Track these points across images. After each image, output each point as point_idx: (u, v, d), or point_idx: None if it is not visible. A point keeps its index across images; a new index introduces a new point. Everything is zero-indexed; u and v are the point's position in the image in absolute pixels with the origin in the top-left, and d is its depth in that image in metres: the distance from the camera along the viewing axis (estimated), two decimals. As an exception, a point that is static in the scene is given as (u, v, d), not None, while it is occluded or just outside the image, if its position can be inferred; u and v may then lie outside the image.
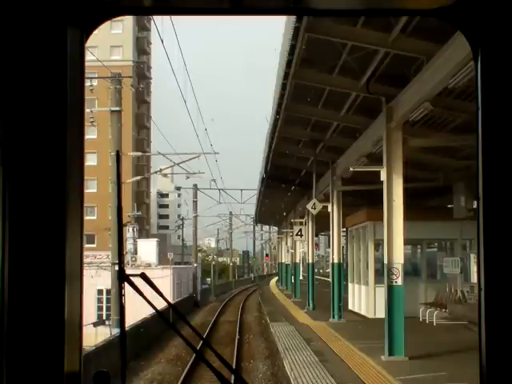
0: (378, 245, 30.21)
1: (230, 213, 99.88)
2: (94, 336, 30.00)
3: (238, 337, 30.81)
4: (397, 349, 18.84)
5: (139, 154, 57.67)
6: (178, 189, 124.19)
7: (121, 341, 2.62)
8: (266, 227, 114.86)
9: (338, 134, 26.80)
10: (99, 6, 2.42)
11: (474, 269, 30.16)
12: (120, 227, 2.65)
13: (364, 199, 32.14)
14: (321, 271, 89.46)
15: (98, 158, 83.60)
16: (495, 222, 2.26)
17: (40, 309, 2.21)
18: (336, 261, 31.25)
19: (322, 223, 39.95)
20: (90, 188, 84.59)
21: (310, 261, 41.49)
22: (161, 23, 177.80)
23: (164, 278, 47.45)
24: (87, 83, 34.68)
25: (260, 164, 41.83)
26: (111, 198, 31.25)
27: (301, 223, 42.45)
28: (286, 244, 67.89)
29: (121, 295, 2.40)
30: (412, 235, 25.19)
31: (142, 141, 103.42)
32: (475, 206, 2.39)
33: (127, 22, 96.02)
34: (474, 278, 29.11)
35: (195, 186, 61.63)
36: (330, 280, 32.00)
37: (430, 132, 21.62)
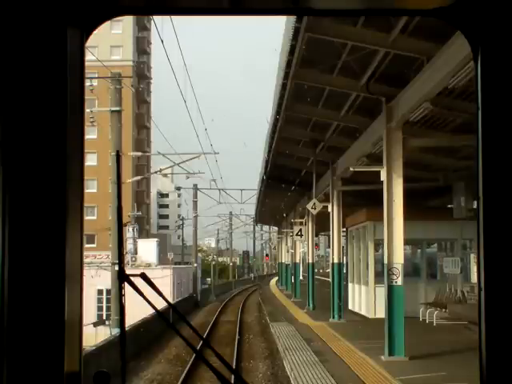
0: (378, 245, 30.20)
1: (230, 213, 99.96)
2: (93, 336, 29.99)
3: (238, 337, 30.81)
4: (397, 349, 18.84)
5: (139, 153, 57.59)
6: (178, 189, 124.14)
7: (121, 341, 2.62)
8: (266, 227, 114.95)
9: (338, 134, 26.80)
10: (99, 5, 2.42)
11: (474, 269, 30.17)
12: (120, 227, 2.65)
13: (364, 199, 32.13)
14: (321, 271, 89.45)
15: (98, 158, 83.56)
16: (495, 221, 2.26)
17: (40, 309, 2.21)
18: (336, 261, 31.25)
19: (322, 223, 39.96)
20: (90, 188, 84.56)
21: (310, 261, 41.50)
22: (161, 23, 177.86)
23: (164, 278, 47.44)
24: (87, 83, 34.69)
25: (260, 164, 41.90)
26: (111, 198, 31.25)
27: (301, 223, 42.45)
28: (286, 244, 67.89)
29: (121, 295, 2.39)
30: (412, 235, 25.17)
31: (142, 141, 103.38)
32: (475, 206, 2.39)
33: (127, 21, 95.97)
34: (474, 278, 29.12)
35: (195, 186, 61.64)
36: (329, 280, 32.01)
37: (429, 132, 21.61)
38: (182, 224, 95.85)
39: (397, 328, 18.83)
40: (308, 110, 25.13)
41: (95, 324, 34.10)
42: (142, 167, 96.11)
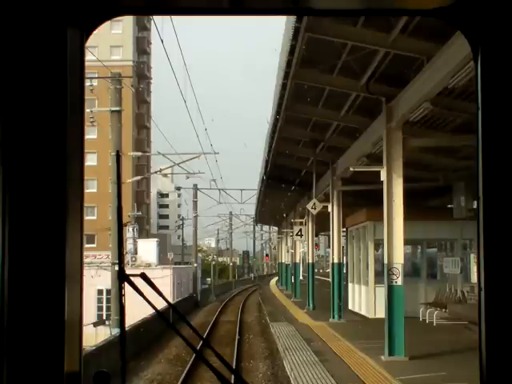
0: (378, 245, 30.20)
1: (230, 213, 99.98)
2: (94, 336, 29.98)
3: (238, 337, 30.81)
4: (397, 349, 18.84)
5: (139, 153, 57.51)
6: (178, 189, 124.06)
7: (121, 341, 2.62)
8: (266, 227, 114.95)
9: (338, 134, 26.80)
10: (99, 5, 2.42)
11: (474, 269, 30.17)
12: (120, 227, 2.65)
13: (364, 199, 32.14)
14: (321, 271, 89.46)
15: (98, 158, 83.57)
16: (495, 221, 2.25)
17: (40, 309, 2.21)
18: (336, 261, 31.25)
19: (322, 223, 39.96)
20: (90, 188, 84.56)
21: (310, 261, 41.50)
22: (161, 23, 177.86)
23: (164, 278, 47.44)
24: (87, 83, 34.69)
25: (260, 164, 41.90)
26: (111, 198, 31.25)
27: (301, 223, 42.45)
28: (286, 244, 67.89)
29: (121, 295, 2.39)
30: (412, 235, 25.17)
31: (142, 141, 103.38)
32: (475, 206, 2.40)
33: (127, 21, 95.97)
34: (474, 278, 29.12)
35: (195, 186, 61.64)
36: (329, 280, 32.01)
37: (430, 132, 21.62)
38: (182, 224, 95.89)
39: (397, 328, 18.83)
40: (308, 110, 25.13)
41: (95, 324, 34.11)
42: (142, 167, 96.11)
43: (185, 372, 21.89)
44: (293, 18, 15.68)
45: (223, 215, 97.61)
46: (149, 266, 55.08)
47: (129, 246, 58.12)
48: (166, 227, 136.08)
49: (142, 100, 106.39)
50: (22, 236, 2.22)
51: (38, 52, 2.23)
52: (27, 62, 2.23)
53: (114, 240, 30.65)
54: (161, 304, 2.69)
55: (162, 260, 62.21)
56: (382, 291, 22.37)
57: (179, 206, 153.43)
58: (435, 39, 15.50)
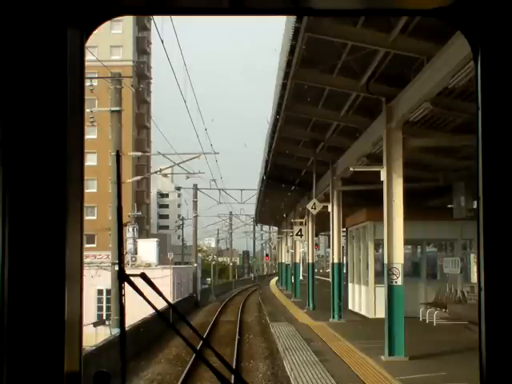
0: (378, 245, 30.21)
1: (230, 213, 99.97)
2: (94, 336, 29.98)
3: (238, 337, 30.81)
4: (397, 349, 18.84)
5: (139, 153, 57.46)
6: (178, 189, 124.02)
7: (121, 341, 2.62)
8: (266, 227, 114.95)
9: (338, 133, 26.80)
10: (99, 5, 2.42)
11: (474, 269, 30.18)
12: (120, 227, 2.65)
13: (364, 199, 32.14)
14: (321, 271, 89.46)
15: (98, 158, 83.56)
16: (495, 221, 2.25)
17: (40, 309, 2.21)
18: (336, 261, 31.25)
19: (322, 223, 39.96)
20: (90, 188, 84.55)
21: (310, 261, 41.50)
22: (161, 23, 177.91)
23: (164, 278, 47.44)
24: (87, 83, 34.67)
25: (260, 164, 41.91)
26: (111, 198, 31.26)
27: (301, 223, 42.46)
28: (286, 244, 67.89)
29: (121, 295, 2.39)
30: (412, 235, 25.17)
31: (142, 141, 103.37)
32: (475, 206, 2.39)
33: (127, 21, 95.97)
34: (474, 278, 29.12)
35: (195, 186, 61.63)
36: (329, 280, 32.01)
37: (430, 132, 21.62)
38: (182, 224, 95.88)
39: (397, 328, 18.83)
40: (308, 110, 25.13)
41: (95, 324, 34.10)
42: (142, 167, 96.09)
43: (185, 372, 21.90)
44: (293, 18, 15.67)
45: (223, 215, 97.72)
46: (149, 266, 55.07)
47: (129, 246, 58.11)
48: (166, 227, 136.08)
49: (142, 100, 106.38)
50: (22, 236, 2.21)
51: (38, 52, 2.23)
52: (27, 62, 2.23)
53: (114, 240, 30.65)
54: (161, 304, 2.69)
55: (162, 260, 62.21)
56: (382, 291, 22.37)
57: (179, 206, 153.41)
58: (435, 39, 15.50)
